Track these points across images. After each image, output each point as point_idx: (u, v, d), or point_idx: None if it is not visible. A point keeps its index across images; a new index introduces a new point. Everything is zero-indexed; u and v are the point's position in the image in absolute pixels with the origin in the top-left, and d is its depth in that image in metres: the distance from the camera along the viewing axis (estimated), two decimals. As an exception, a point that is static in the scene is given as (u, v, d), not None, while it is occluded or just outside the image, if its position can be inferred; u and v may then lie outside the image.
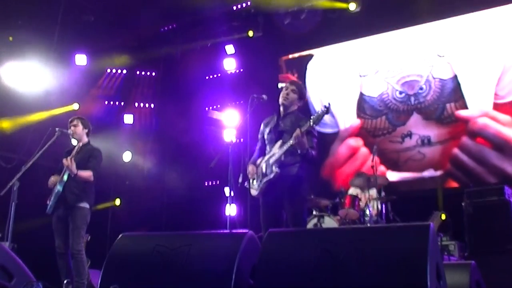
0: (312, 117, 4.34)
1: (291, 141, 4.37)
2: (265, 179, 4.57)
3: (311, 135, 4.51)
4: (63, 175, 5.39)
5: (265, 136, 4.81)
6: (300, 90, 4.78)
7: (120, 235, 3.37)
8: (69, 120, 5.75)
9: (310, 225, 6.68)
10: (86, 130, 5.72)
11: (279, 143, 4.58)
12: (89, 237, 6.80)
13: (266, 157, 4.66)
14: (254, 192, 4.67)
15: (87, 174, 5.44)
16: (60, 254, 5.33)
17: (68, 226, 5.33)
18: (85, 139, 5.71)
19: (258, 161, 4.75)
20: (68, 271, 5.30)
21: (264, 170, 4.61)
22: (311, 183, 4.77)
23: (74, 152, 5.44)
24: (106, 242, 8.55)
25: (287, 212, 4.46)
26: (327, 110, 4.28)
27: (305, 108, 5.00)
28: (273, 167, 4.51)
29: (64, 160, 5.32)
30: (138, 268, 3.12)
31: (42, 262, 5.52)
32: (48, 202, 5.44)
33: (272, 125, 4.76)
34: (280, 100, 4.73)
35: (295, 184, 4.48)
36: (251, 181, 4.72)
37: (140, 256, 3.17)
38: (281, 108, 4.76)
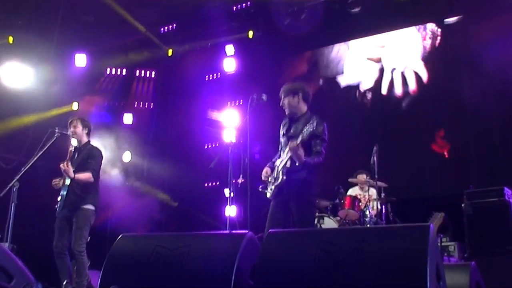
0: (310, 131, 4.37)
1: (289, 152, 4.41)
2: (275, 184, 4.60)
3: (321, 140, 4.50)
4: (65, 179, 5.38)
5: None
6: (295, 91, 4.70)
7: (120, 236, 3.37)
8: (69, 120, 5.72)
9: (309, 225, 6.67)
10: (86, 130, 5.67)
11: (287, 149, 4.59)
12: (89, 237, 6.79)
13: (278, 162, 4.68)
14: (268, 194, 4.70)
15: (85, 176, 5.38)
16: (57, 254, 5.31)
17: (71, 226, 5.33)
18: (85, 139, 5.66)
19: (275, 164, 4.78)
20: (67, 272, 5.29)
21: (275, 174, 4.64)
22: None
23: (70, 155, 5.36)
24: (106, 242, 8.53)
25: (294, 216, 4.45)
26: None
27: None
28: (281, 173, 4.55)
29: (61, 165, 5.28)
30: (137, 269, 3.11)
31: (42, 262, 5.51)
32: (56, 207, 5.44)
33: (284, 130, 4.77)
34: (286, 112, 4.73)
35: (302, 189, 4.49)
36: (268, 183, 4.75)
37: (139, 256, 3.16)
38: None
